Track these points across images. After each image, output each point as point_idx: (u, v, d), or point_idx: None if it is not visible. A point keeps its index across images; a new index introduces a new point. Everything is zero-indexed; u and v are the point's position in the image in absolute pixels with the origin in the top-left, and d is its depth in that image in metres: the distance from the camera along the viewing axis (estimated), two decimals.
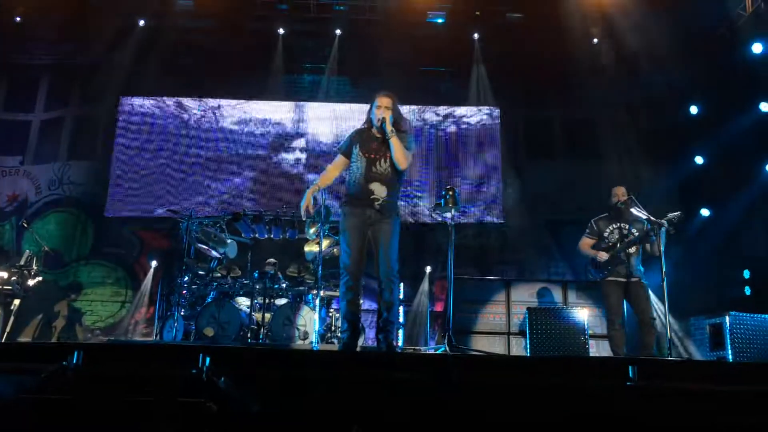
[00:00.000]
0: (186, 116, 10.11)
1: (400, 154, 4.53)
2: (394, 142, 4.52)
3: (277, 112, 10.17)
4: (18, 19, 9.20)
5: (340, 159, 4.80)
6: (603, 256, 5.91)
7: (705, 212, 8.85)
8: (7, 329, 6.64)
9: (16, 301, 6.78)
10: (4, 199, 9.73)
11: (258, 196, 9.78)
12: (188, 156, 9.95)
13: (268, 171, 9.96)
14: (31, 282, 6.96)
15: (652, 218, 5.64)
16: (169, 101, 10.13)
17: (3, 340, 6.43)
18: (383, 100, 4.69)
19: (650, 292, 5.98)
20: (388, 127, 4.54)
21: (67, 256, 9.46)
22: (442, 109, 10.29)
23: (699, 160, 9.08)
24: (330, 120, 10.03)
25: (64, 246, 9.46)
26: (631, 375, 3.24)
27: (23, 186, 9.82)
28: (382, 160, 4.57)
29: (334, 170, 4.83)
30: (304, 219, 4.85)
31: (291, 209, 7.87)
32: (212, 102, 10.15)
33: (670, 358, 5.19)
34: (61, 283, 9.32)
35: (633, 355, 5.74)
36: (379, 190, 4.52)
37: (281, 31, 9.92)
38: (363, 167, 4.57)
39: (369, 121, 4.76)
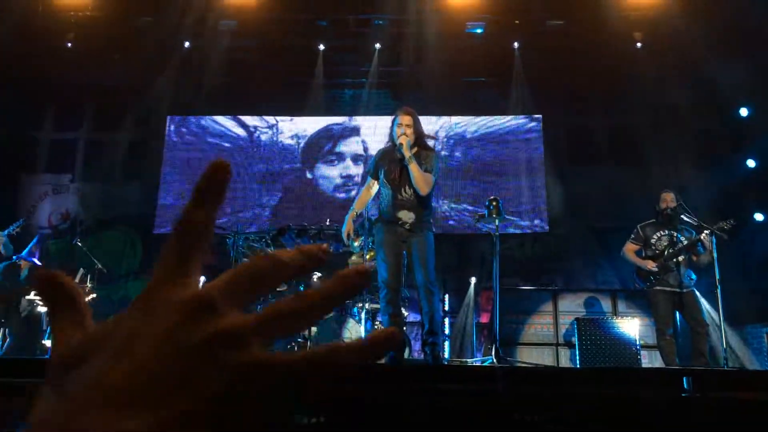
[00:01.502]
0: (231, 133, 10.31)
1: (419, 181, 4.44)
2: (413, 169, 4.43)
3: (320, 126, 10.30)
4: (69, 44, 9.55)
5: (371, 182, 4.80)
6: (651, 265, 5.77)
7: (759, 217, 8.59)
8: None
9: None
10: (57, 218, 10.05)
11: (302, 210, 9.88)
12: (234, 171, 10.12)
13: (311, 185, 10.07)
14: (85, 299, 7.15)
15: (704, 225, 5.50)
16: (215, 119, 10.35)
17: None
18: (404, 118, 4.58)
19: (702, 299, 5.83)
20: (406, 153, 4.45)
21: (117, 272, 9.71)
22: (484, 119, 10.24)
23: (751, 163, 8.83)
24: (372, 133, 10.11)
25: (114, 262, 9.71)
26: (686, 386, 3.16)
27: (75, 204, 10.14)
28: (407, 186, 4.51)
29: (367, 193, 4.83)
30: (346, 244, 4.86)
31: (335, 222, 7.94)
32: (257, 119, 10.34)
33: (726, 368, 5.04)
34: (113, 297, 9.57)
35: (687, 365, 5.60)
36: (407, 217, 4.49)
37: (321, 47, 10.04)
38: (389, 195, 4.55)
39: (392, 139, 4.70)
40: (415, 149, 4.58)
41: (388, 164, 4.63)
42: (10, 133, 10.00)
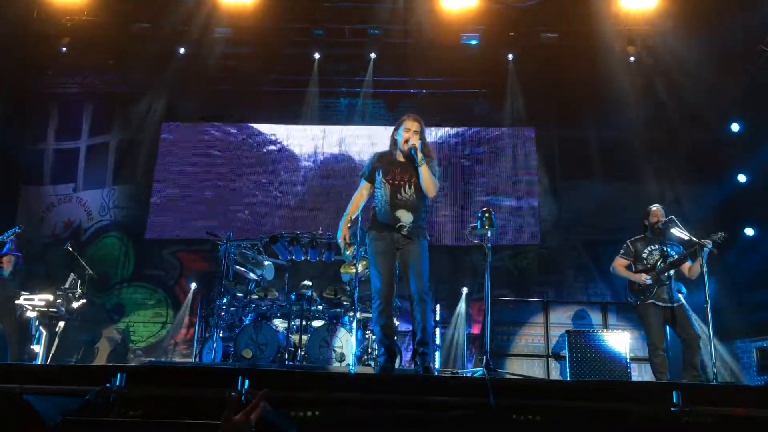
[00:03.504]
0: (224, 141, 10.31)
1: (429, 182, 4.43)
2: (424, 171, 4.42)
3: (313, 135, 10.31)
4: (64, 49, 9.53)
5: (364, 185, 4.72)
6: (644, 278, 5.76)
7: (749, 231, 8.64)
8: (52, 351, 6.78)
9: (61, 323, 6.93)
10: (60, 227, 10.04)
11: (294, 218, 9.87)
12: (226, 179, 10.13)
13: (304, 193, 10.07)
14: (75, 304, 7.11)
15: (695, 239, 5.51)
16: (208, 126, 10.35)
17: (48, 362, 6.57)
18: (412, 124, 4.56)
19: (692, 312, 5.83)
20: (419, 155, 4.43)
21: (113, 279, 9.68)
22: (478, 130, 10.29)
23: (742, 178, 8.88)
24: (366, 143, 10.13)
25: (110, 270, 9.69)
26: (675, 400, 3.16)
27: (77, 212, 10.12)
28: (407, 186, 4.49)
29: (360, 197, 4.74)
30: (342, 249, 4.83)
31: (328, 231, 7.94)
32: (250, 127, 10.34)
33: (715, 382, 5.05)
34: (107, 305, 9.53)
35: (677, 379, 5.60)
36: (406, 217, 4.45)
37: (317, 55, 10.06)
38: (388, 194, 4.49)
39: (394, 143, 4.67)
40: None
41: (386, 165, 4.60)
42: (14, 145, 9.99)
